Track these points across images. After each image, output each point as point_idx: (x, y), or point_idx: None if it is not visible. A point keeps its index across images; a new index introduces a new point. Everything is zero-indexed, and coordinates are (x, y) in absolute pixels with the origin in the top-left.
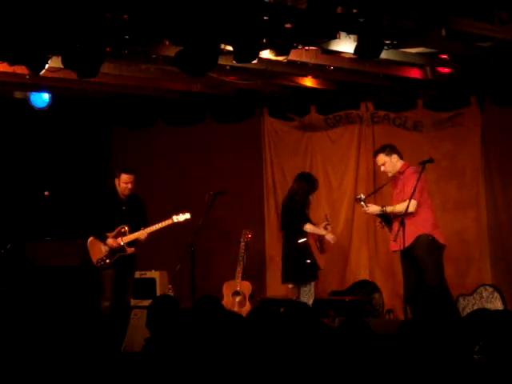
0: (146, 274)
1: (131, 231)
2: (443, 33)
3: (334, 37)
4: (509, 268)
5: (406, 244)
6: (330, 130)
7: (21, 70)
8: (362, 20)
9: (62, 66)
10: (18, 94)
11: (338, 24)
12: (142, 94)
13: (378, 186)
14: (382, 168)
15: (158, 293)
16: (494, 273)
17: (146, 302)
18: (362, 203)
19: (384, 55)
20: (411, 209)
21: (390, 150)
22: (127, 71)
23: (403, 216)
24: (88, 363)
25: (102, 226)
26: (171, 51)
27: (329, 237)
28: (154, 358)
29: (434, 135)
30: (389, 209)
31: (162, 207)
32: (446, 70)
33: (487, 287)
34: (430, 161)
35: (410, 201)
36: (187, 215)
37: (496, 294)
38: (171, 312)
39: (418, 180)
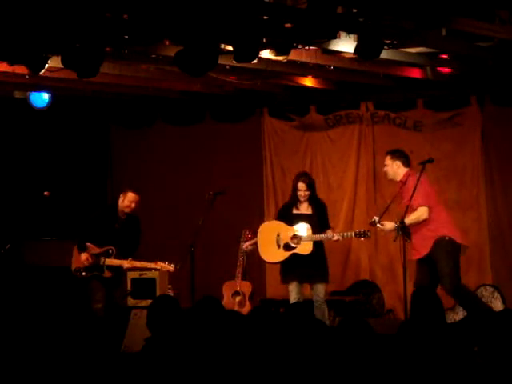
0: (146, 273)
1: (118, 254)
2: (443, 33)
3: (334, 37)
4: (509, 268)
5: (427, 251)
6: (329, 129)
7: (20, 69)
8: (361, 20)
9: (61, 66)
10: (17, 94)
11: (337, 24)
12: (141, 94)
13: (379, 192)
14: (384, 168)
15: (158, 293)
16: (494, 273)
17: (146, 302)
18: (378, 225)
19: (384, 55)
20: (424, 215)
21: (397, 155)
22: (127, 71)
23: (418, 224)
24: (87, 363)
25: (87, 238)
26: (171, 51)
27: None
28: (154, 358)
29: (434, 135)
30: (407, 221)
31: (162, 207)
32: (446, 69)
33: (487, 287)
34: (430, 161)
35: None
36: (171, 267)
37: (496, 294)
38: (171, 312)
39: (417, 183)
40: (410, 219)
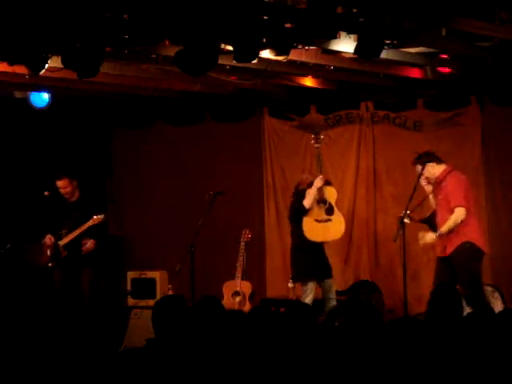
0: (146, 273)
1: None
2: (443, 33)
3: (334, 37)
4: (509, 268)
5: (449, 251)
6: (329, 129)
7: (21, 69)
8: (362, 20)
9: (62, 66)
10: (17, 94)
11: (337, 24)
12: (141, 94)
13: (379, 192)
14: (422, 179)
15: (158, 293)
16: (494, 273)
17: (146, 302)
18: (406, 220)
19: (384, 55)
20: (462, 217)
21: (425, 158)
22: (127, 71)
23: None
24: (87, 363)
25: (46, 230)
26: (171, 51)
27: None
28: (154, 357)
29: (434, 135)
30: (444, 230)
31: (162, 207)
32: (446, 69)
33: (487, 287)
34: (430, 161)
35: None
36: (101, 216)
37: (496, 294)
38: (178, 311)
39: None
40: (447, 225)
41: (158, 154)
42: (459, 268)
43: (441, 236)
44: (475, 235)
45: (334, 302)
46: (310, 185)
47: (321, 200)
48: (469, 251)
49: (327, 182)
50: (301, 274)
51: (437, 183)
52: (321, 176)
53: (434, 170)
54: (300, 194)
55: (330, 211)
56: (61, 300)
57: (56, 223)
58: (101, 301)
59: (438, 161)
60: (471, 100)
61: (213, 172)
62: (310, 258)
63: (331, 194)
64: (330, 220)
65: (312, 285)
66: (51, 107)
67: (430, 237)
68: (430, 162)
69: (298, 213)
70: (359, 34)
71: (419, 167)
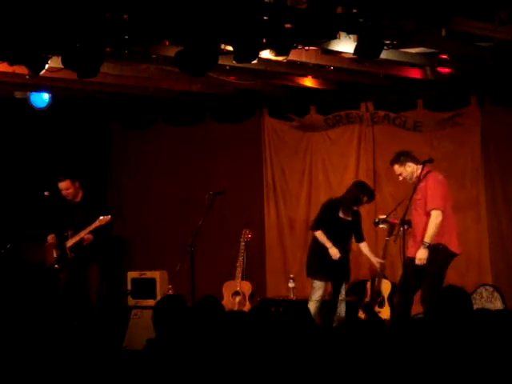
0: (145, 273)
1: (77, 233)
2: (443, 33)
3: (334, 37)
4: (509, 268)
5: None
6: (329, 129)
7: (21, 69)
8: (361, 20)
9: (62, 66)
10: (17, 94)
11: (338, 24)
12: (141, 93)
13: (378, 193)
14: (400, 178)
15: (158, 293)
16: (493, 273)
17: (146, 302)
18: (382, 225)
19: (384, 55)
20: (439, 219)
21: (404, 158)
22: (127, 71)
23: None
24: (87, 363)
25: (49, 230)
26: (171, 51)
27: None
28: (155, 356)
29: (434, 135)
30: (427, 239)
31: (162, 207)
32: (446, 69)
33: (487, 287)
34: (430, 161)
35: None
36: (108, 217)
37: (496, 294)
38: (178, 311)
39: (438, 186)
40: (429, 234)
41: (158, 154)
42: (427, 267)
43: (427, 246)
44: (449, 237)
45: (344, 303)
46: (356, 202)
47: (377, 293)
48: (441, 253)
49: (384, 276)
50: (314, 269)
51: (414, 183)
52: (382, 262)
53: (412, 169)
54: (334, 204)
55: (381, 304)
56: (64, 301)
57: (59, 224)
58: (104, 300)
59: (416, 161)
60: (471, 100)
61: (213, 172)
62: (328, 258)
63: (386, 287)
64: (380, 312)
65: (320, 283)
66: (51, 107)
67: (423, 253)
68: (408, 161)
69: (333, 218)
70: (359, 34)
71: (397, 167)
